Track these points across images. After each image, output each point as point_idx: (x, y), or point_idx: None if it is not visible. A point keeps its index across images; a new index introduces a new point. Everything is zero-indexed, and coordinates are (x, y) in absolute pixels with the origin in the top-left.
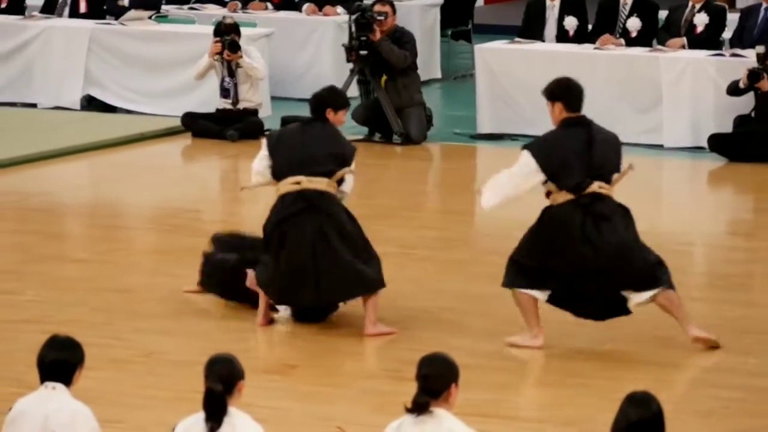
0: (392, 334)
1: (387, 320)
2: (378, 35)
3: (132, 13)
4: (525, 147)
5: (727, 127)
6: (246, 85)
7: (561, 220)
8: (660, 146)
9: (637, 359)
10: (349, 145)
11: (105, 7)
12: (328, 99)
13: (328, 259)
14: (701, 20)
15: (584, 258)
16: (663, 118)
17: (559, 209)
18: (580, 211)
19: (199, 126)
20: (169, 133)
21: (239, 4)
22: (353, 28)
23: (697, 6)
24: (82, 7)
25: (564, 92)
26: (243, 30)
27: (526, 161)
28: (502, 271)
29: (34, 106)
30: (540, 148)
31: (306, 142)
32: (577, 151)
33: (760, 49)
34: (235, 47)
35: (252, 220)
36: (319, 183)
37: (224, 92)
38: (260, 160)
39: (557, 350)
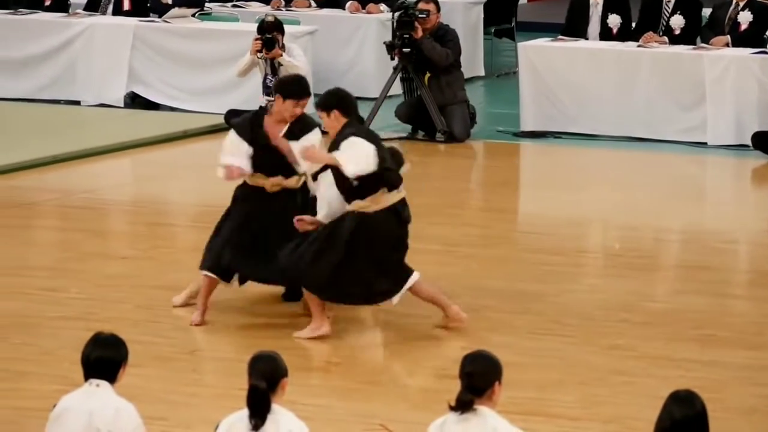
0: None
1: (433, 318)
2: (420, 33)
3: (175, 10)
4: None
5: None
6: None
7: (384, 229)
8: (704, 144)
9: (680, 357)
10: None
11: (148, 5)
12: (279, 84)
13: None
14: (745, 18)
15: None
16: (707, 116)
17: (380, 218)
18: (395, 219)
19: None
20: (213, 130)
21: (282, 2)
22: (395, 26)
23: (741, 4)
24: (126, 5)
25: (338, 100)
26: (286, 27)
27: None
28: (546, 268)
29: (77, 103)
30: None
31: None
32: (385, 149)
33: None
34: (270, 45)
35: None
36: None
37: (267, 90)
38: None
39: (600, 348)
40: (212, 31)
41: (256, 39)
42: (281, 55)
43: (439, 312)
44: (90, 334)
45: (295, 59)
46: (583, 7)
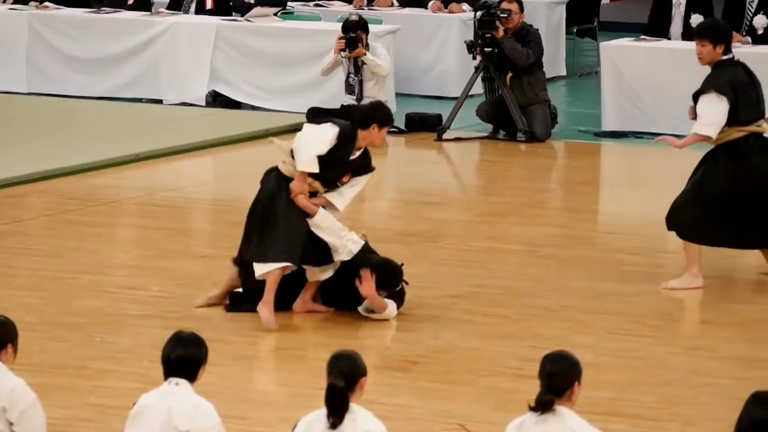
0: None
1: (510, 317)
2: (501, 32)
3: (258, 9)
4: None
5: None
6: (371, 82)
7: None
8: None
9: (762, 358)
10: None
11: (231, 4)
12: (375, 112)
13: None
14: None
15: None
16: None
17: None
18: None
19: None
20: (294, 129)
21: (365, 1)
22: (477, 25)
23: None
24: (209, 4)
25: (728, 35)
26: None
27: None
28: (626, 268)
29: (160, 101)
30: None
31: None
32: (746, 83)
33: None
34: (354, 44)
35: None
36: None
37: (349, 88)
38: None
39: (680, 349)
40: (294, 30)
41: (340, 38)
42: (365, 54)
43: (520, 312)
44: (170, 332)
45: (379, 58)
46: (665, 6)
